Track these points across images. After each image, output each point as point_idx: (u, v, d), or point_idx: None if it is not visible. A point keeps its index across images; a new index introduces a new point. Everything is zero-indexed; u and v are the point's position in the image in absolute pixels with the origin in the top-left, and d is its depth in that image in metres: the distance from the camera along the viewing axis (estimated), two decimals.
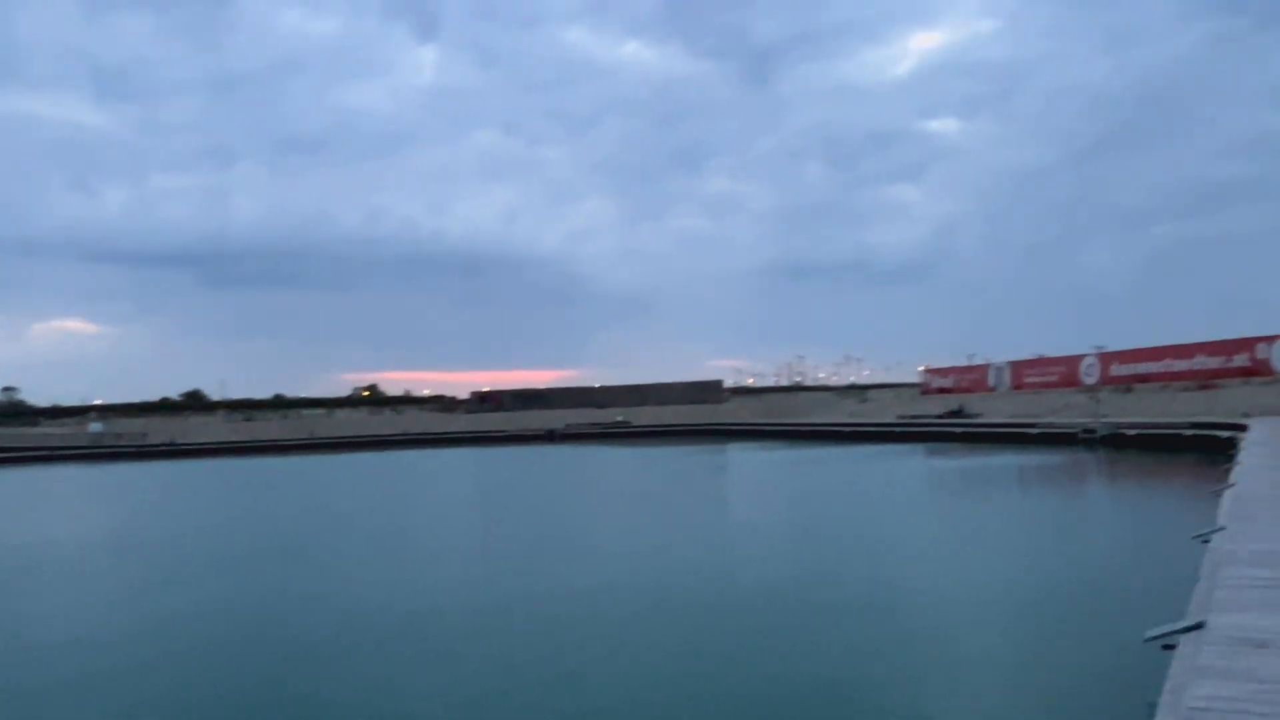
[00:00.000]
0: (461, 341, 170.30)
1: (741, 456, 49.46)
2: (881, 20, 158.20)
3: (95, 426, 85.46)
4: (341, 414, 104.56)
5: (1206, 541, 10.50)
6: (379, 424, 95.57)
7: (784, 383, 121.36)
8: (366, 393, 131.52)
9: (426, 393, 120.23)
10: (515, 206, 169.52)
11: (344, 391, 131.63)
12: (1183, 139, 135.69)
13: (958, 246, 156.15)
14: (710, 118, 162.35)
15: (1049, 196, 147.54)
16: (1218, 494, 14.74)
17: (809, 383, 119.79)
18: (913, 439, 51.57)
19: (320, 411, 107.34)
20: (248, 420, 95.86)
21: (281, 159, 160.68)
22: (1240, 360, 49.75)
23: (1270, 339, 48.55)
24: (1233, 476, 15.79)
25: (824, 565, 15.65)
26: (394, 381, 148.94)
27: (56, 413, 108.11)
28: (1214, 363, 51.26)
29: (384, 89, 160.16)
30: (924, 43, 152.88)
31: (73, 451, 73.05)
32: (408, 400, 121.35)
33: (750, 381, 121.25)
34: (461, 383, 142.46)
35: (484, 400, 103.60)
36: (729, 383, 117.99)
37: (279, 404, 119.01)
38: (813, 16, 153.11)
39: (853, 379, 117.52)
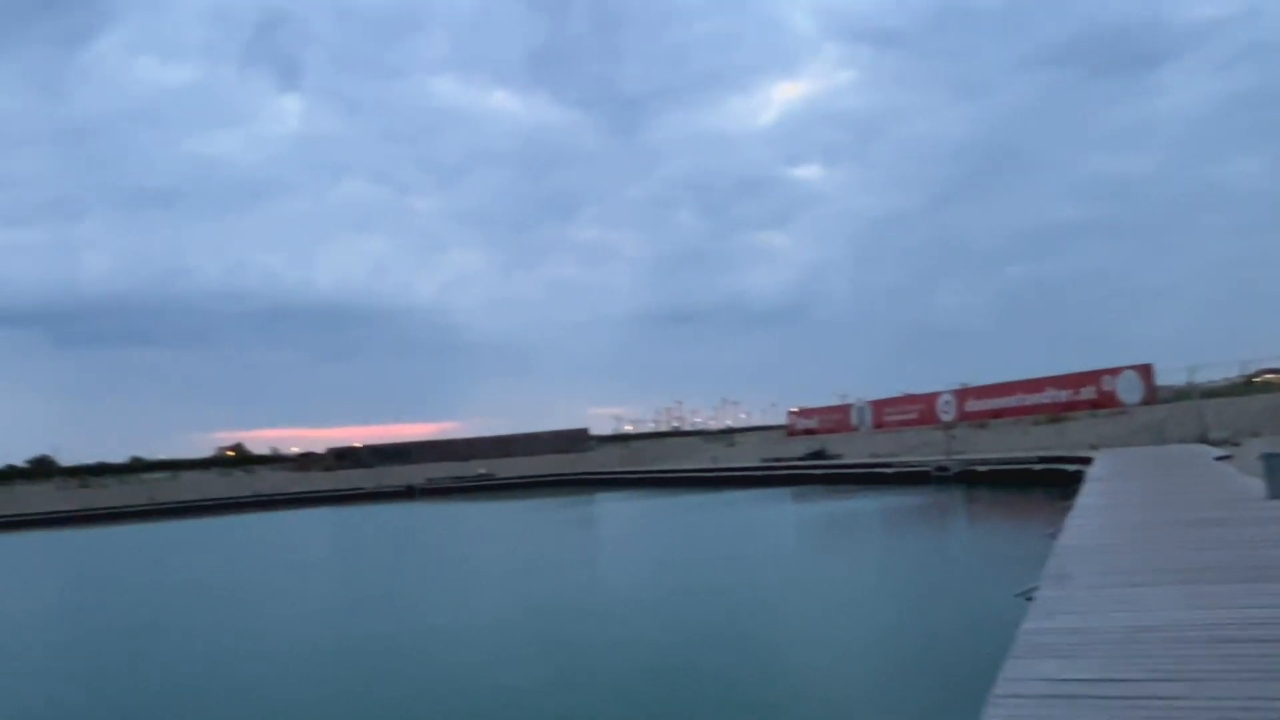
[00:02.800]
0: (331, 396, 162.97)
1: (596, 509, 47.22)
2: (745, 71, 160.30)
3: None
4: (188, 476, 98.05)
5: (1029, 599, 8.89)
6: (228, 486, 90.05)
7: (663, 428, 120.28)
8: (231, 452, 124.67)
9: (293, 450, 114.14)
10: (384, 257, 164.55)
11: (208, 452, 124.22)
12: (1028, 184, 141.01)
13: (826, 290, 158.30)
14: (580, 167, 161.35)
15: (908, 241, 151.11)
16: (1054, 535, 13.35)
17: (687, 427, 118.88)
18: (775, 483, 50.31)
19: (164, 475, 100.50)
20: (84, 487, 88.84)
21: (135, 212, 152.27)
22: (1087, 393, 50.18)
23: (1114, 371, 49.10)
24: (1068, 518, 14.32)
25: (665, 623, 14.43)
26: (262, 440, 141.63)
27: None
28: (1063, 396, 51.62)
29: (244, 138, 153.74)
30: (786, 92, 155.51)
31: None
32: (260, 460, 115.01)
33: (629, 428, 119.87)
34: (331, 439, 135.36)
35: (341, 457, 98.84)
36: (608, 430, 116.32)
37: (134, 468, 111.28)
38: (678, 68, 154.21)
39: (729, 422, 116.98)
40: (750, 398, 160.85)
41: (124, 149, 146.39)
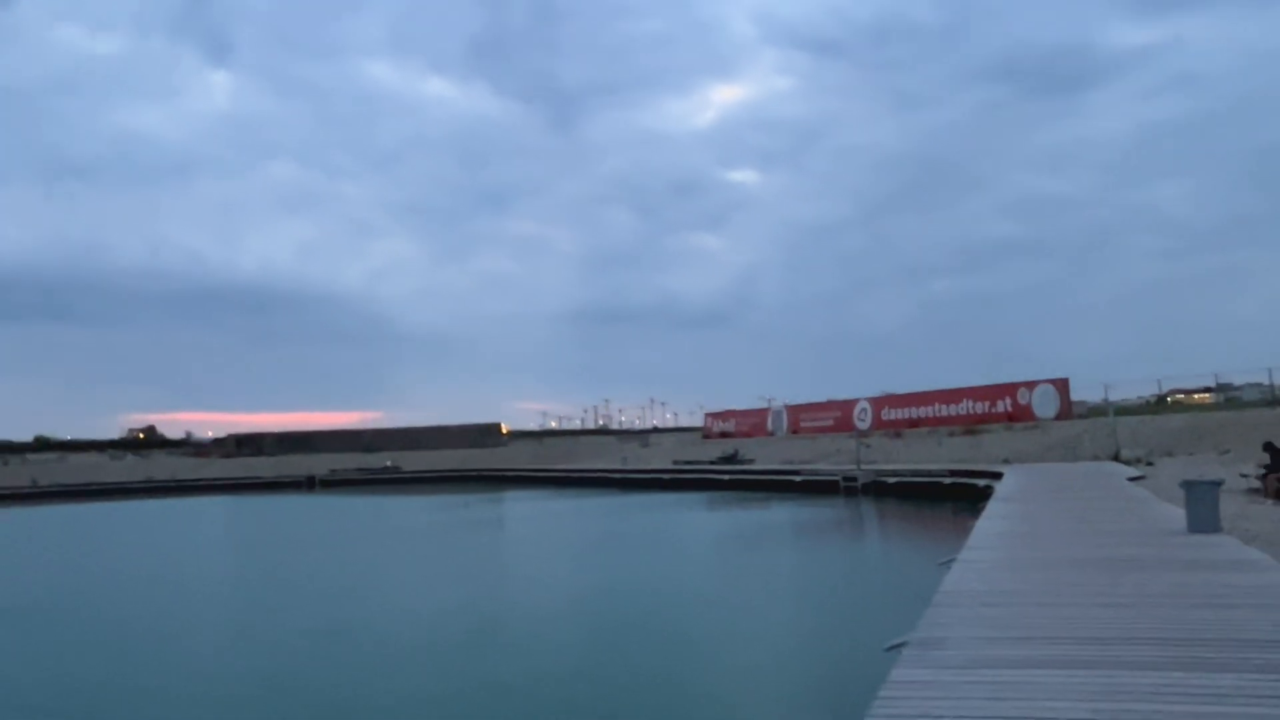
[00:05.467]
0: (253, 381, 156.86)
1: (495, 510, 44.72)
2: (683, 72, 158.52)
3: None
4: (77, 459, 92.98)
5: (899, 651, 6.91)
6: (120, 470, 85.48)
7: (590, 426, 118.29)
8: (142, 435, 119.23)
9: (210, 435, 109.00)
10: (312, 242, 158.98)
11: (117, 433, 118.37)
12: (960, 199, 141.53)
13: (757, 294, 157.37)
14: (517, 160, 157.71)
15: (839, 249, 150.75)
16: (946, 566, 11.40)
17: (614, 425, 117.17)
18: (682, 486, 48.30)
19: (52, 456, 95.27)
20: None
21: (54, 183, 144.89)
22: (1004, 406, 49.11)
23: (1031, 385, 48.07)
24: (963, 548, 12.36)
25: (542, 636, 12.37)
26: (177, 423, 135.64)
27: None
28: (980, 408, 50.50)
29: (170, 113, 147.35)
30: (724, 95, 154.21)
31: None
32: (162, 444, 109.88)
33: (554, 424, 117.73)
34: (250, 425, 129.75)
35: (242, 444, 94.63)
36: (535, 426, 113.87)
37: (40, 446, 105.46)
38: (618, 65, 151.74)
39: (655, 422, 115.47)
40: (678, 399, 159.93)
41: (45, 118, 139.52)
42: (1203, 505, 12.75)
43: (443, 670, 11.82)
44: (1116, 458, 32.39)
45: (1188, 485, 13.15)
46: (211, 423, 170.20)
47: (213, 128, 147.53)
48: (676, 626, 13.97)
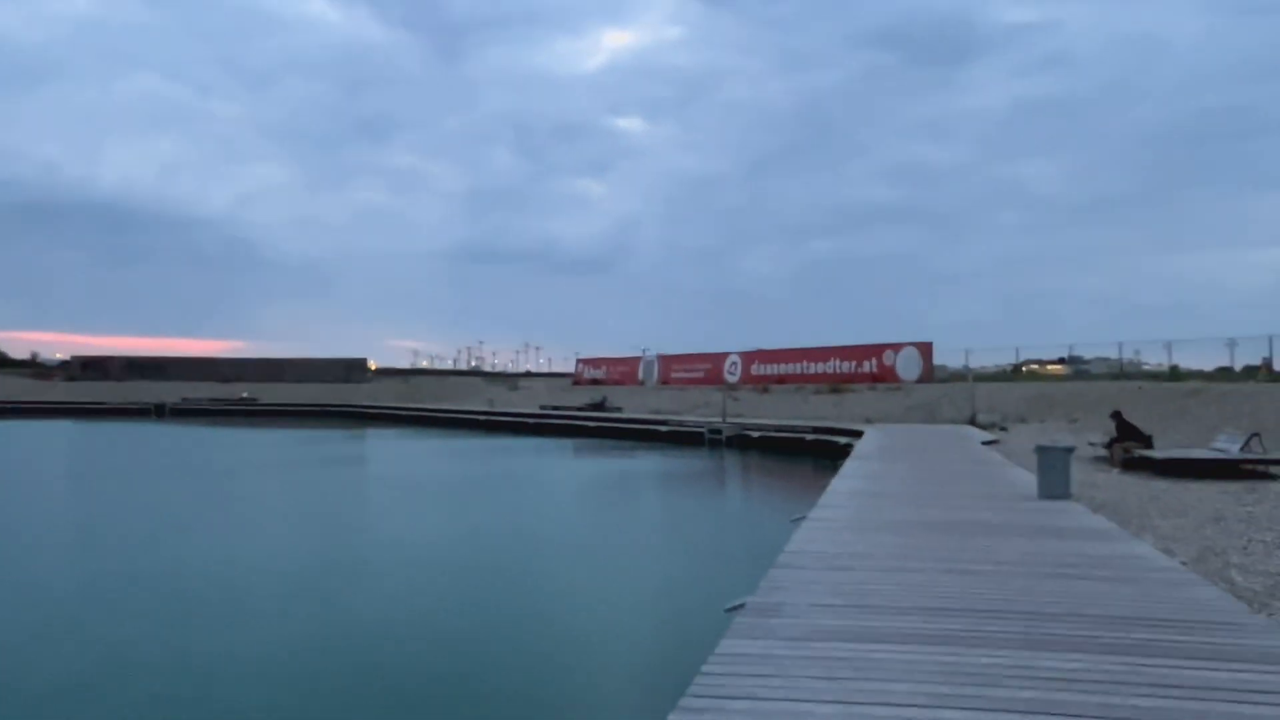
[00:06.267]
0: (108, 302, 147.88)
1: (348, 447, 43.16)
2: (574, 13, 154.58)
3: None
4: None
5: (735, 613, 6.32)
6: None
7: (461, 366, 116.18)
8: None
9: (60, 356, 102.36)
10: (178, 160, 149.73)
11: None
12: (841, 161, 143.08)
13: (637, 243, 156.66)
14: (398, 90, 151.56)
15: (721, 203, 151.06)
16: (797, 523, 10.95)
17: (486, 368, 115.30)
18: (547, 431, 47.61)
19: None
20: None
21: None
22: (869, 366, 49.87)
23: (896, 346, 48.87)
24: (815, 506, 11.94)
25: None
26: (22, 342, 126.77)
27: None
28: (846, 367, 51.19)
29: (25, 13, 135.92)
30: (615, 40, 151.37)
31: None
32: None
33: (425, 363, 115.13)
34: (104, 348, 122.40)
35: (87, 367, 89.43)
36: (405, 364, 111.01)
37: None
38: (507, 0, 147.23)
39: (528, 367, 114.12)
40: (553, 345, 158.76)
41: None
42: (1054, 471, 12.65)
43: (284, 617, 10.80)
44: (973, 422, 33.05)
45: (1041, 450, 13.04)
46: (61, 344, 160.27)
47: (72, 33, 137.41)
48: (519, 577, 13.24)
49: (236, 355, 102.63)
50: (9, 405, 71.43)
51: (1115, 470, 18.01)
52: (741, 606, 6.70)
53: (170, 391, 77.47)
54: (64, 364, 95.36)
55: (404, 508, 21.51)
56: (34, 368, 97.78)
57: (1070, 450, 13.12)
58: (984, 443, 24.21)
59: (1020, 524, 10.29)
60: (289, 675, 8.62)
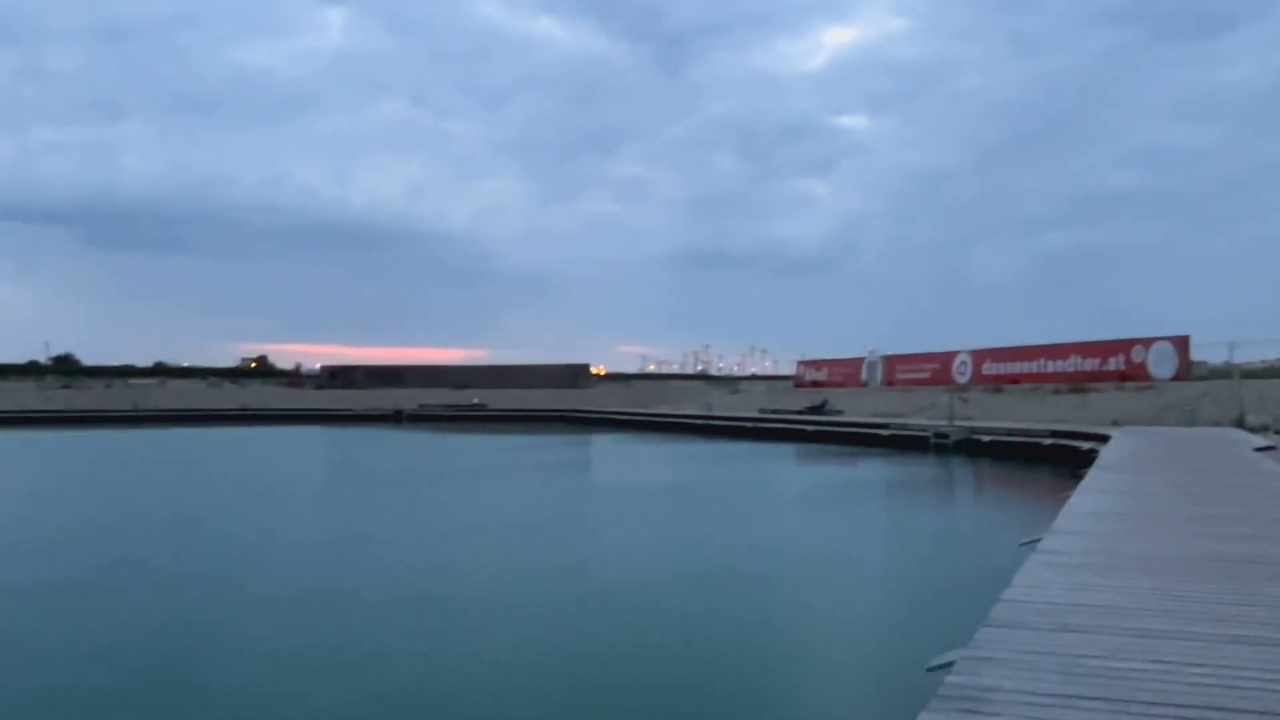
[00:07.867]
0: (360, 315, 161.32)
1: (586, 452, 43.66)
2: (796, 13, 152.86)
3: None
4: (175, 385, 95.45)
5: (943, 671, 5.24)
6: (216, 397, 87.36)
7: (689, 371, 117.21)
8: (255, 364, 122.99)
9: (318, 366, 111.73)
10: (421, 180, 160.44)
11: (233, 362, 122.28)
12: (1080, 148, 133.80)
13: (863, 242, 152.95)
14: (623, 101, 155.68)
15: (950, 198, 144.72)
16: (1030, 547, 9.50)
17: (713, 372, 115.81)
18: (766, 436, 46.49)
19: (152, 381, 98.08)
20: (65, 389, 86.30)
21: (174, 117, 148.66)
22: (1116, 363, 45.68)
23: (1147, 341, 44.53)
24: (1050, 529, 10.34)
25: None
26: (288, 353, 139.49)
27: None
28: (1089, 365, 47.13)
29: (286, 50, 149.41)
30: (837, 38, 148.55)
31: None
32: (261, 374, 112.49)
33: (653, 368, 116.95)
34: (358, 358, 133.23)
35: (334, 376, 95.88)
36: (634, 368, 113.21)
37: (159, 371, 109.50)
38: (728, 4, 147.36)
39: (754, 370, 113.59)
40: (778, 347, 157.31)
41: (165, 53, 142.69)
42: None
43: (520, 625, 10.80)
44: (1240, 424, 29.33)
45: None
46: (320, 355, 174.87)
47: (326, 65, 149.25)
48: (710, 603, 12.30)
49: (475, 363, 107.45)
50: (267, 412, 77.52)
51: None
52: (949, 667, 5.44)
53: (408, 399, 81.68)
54: (314, 374, 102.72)
55: (621, 513, 21.10)
56: (288, 377, 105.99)
57: None
58: (1256, 449, 21.16)
59: None
60: (533, 678, 8.77)
